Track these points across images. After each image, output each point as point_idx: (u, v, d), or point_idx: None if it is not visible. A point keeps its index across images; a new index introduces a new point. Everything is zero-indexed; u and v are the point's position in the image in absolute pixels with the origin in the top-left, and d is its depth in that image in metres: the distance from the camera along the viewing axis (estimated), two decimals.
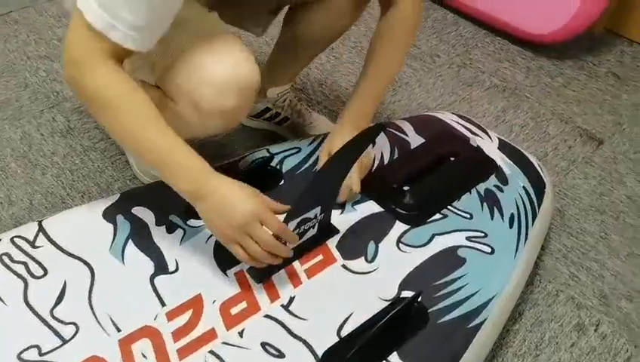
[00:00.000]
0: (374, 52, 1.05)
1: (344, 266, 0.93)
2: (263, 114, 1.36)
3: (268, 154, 1.12)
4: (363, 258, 0.95)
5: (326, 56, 1.64)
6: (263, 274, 0.89)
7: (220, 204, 0.79)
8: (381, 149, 1.16)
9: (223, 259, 0.90)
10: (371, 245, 0.97)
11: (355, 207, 1.03)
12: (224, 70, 0.89)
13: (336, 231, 0.98)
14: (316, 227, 0.94)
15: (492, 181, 1.12)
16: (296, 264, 0.92)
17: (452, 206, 1.06)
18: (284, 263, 0.89)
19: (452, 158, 1.14)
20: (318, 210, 0.92)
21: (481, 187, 1.10)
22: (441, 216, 1.04)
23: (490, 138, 1.22)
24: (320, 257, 0.94)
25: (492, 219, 1.05)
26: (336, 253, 0.95)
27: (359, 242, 0.97)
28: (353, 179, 1.00)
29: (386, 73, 1.07)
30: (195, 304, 0.85)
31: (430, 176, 1.09)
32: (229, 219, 0.79)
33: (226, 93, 0.90)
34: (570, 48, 1.79)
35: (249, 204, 0.79)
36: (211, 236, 0.93)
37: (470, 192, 1.09)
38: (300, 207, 0.87)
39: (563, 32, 1.71)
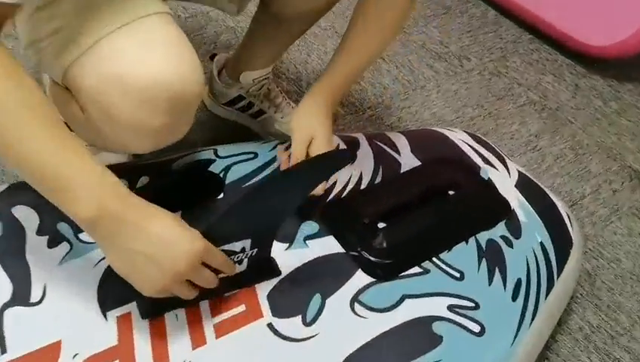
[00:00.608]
0: (356, 26, 0.83)
1: (270, 326, 0.68)
2: (235, 102, 1.12)
3: (213, 157, 0.87)
4: (300, 317, 0.70)
5: (333, 46, 1.38)
6: (156, 309, 0.66)
7: (151, 244, 0.56)
8: (360, 167, 0.89)
9: (109, 295, 0.67)
10: (316, 300, 0.71)
11: (307, 241, 0.78)
12: (147, 73, 0.62)
13: (277, 273, 0.73)
14: (244, 263, 0.70)
15: (499, 230, 0.84)
16: (205, 314, 0.68)
17: (438, 258, 0.79)
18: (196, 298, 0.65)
19: (451, 192, 0.87)
20: (247, 243, 0.67)
21: (483, 236, 0.82)
22: (420, 270, 0.77)
23: (507, 170, 0.94)
24: (241, 308, 0.69)
25: (490, 283, 0.77)
26: (265, 305, 0.70)
27: (300, 293, 0.72)
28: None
29: (366, 52, 0.85)
30: (48, 356, 0.62)
31: (416, 212, 0.82)
32: (166, 267, 0.57)
33: (148, 106, 0.64)
34: (634, 68, 1.48)
35: (195, 247, 0.58)
36: (103, 259, 0.70)
37: (467, 242, 0.81)
38: (220, 235, 0.63)
39: (627, 46, 1.39)
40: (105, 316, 0.65)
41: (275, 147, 0.91)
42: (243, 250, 0.67)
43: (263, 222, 0.68)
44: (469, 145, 0.98)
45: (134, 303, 0.66)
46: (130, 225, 0.55)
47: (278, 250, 0.75)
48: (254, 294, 0.71)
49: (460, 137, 0.99)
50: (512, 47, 1.52)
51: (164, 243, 0.56)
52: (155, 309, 0.66)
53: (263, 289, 0.71)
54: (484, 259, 0.79)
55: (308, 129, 0.80)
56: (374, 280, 0.74)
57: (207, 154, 0.88)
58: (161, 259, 0.56)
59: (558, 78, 1.44)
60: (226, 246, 0.65)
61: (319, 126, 0.80)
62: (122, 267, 0.58)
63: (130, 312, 0.66)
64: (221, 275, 0.63)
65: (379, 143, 0.95)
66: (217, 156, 0.87)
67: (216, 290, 0.65)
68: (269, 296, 0.71)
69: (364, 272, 0.75)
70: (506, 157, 0.97)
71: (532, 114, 1.33)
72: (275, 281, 0.72)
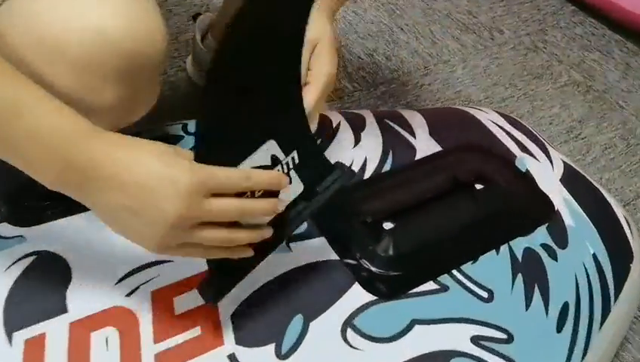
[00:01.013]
0: None
1: (233, 358, 0.51)
2: None
3: (181, 133, 0.70)
4: (273, 347, 0.52)
5: (344, 11, 1.19)
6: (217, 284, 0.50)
7: (129, 197, 0.42)
8: (364, 151, 0.71)
9: (15, 315, 0.50)
10: (296, 323, 0.54)
11: (290, 244, 0.60)
12: (86, 30, 0.47)
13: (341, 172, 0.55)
14: (294, 177, 0.50)
15: (540, 236, 0.65)
16: (145, 337, 0.51)
17: (460, 271, 0.61)
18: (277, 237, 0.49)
19: (478, 186, 0.69)
20: (272, 146, 0.48)
21: (519, 244, 0.64)
22: (436, 286, 0.59)
23: (550, 161, 0.76)
24: (195, 332, 0.52)
25: (527, 308, 0.59)
26: (227, 329, 0.53)
27: (276, 313, 0.54)
28: (307, 93, 0.56)
29: None
30: None
31: (433, 211, 0.64)
32: (155, 218, 0.42)
33: (91, 75, 0.49)
34: None
35: (182, 183, 0.42)
36: (27, 258, 0.54)
37: (497, 251, 0.63)
38: (227, 149, 0.45)
39: None
40: (9, 339, 0.49)
41: None
42: (275, 161, 0.48)
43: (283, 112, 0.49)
44: (502, 129, 0.79)
45: (49, 321, 0.50)
46: (107, 172, 0.42)
47: None
48: (214, 312, 0.54)
49: (490, 118, 0.80)
50: (552, 19, 1.32)
51: (143, 192, 0.42)
52: (215, 285, 0.50)
53: (226, 306, 0.54)
54: (519, 275, 0.61)
55: (309, 31, 0.58)
56: (375, 298, 0.57)
57: (174, 129, 0.71)
58: (145, 211, 0.42)
59: (606, 56, 1.24)
60: (247, 162, 0.46)
61: (323, 26, 0.61)
62: (111, 224, 0.45)
63: (43, 334, 0.50)
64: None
65: (390, 122, 0.77)
66: (186, 132, 0.70)
67: (280, 225, 0.48)
68: (235, 317, 0.53)
69: (363, 287, 0.57)
70: (548, 145, 0.78)
71: (575, 96, 1.13)
72: (241, 295, 0.55)
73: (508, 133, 0.78)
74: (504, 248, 0.63)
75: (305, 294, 0.56)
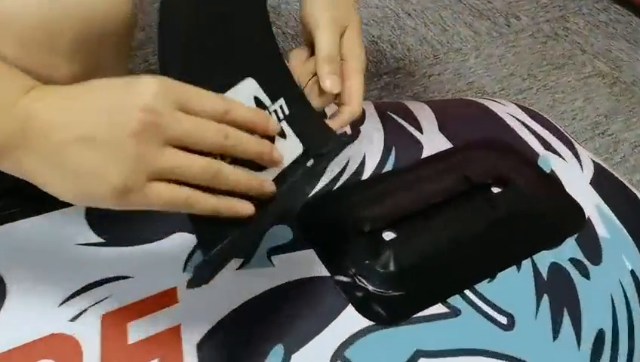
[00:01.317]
0: None
1: None
2: None
3: None
4: None
5: None
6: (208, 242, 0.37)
7: (83, 123, 0.33)
8: (363, 148, 0.62)
9: None
10: (275, 354, 0.45)
11: (272, 258, 0.51)
12: (30, 1, 0.39)
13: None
14: (289, 133, 0.43)
15: (568, 250, 0.55)
16: None
17: (474, 291, 0.51)
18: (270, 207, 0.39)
19: (495, 189, 0.59)
20: (253, 86, 0.41)
21: (544, 259, 0.54)
22: (446, 310, 0.49)
23: (579, 160, 0.66)
24: None
25: (555, 336, 0.49)
26: (192, 360, 0.44)
27: (252, 342, 0.45)
28: (353, 82, 0.50)
29: None
30: None
31: (443, 219, 0.55)
32: (118, 135, 0.32)
33: (40, 46, 0.40)
34: None
35: (151, 87, 0.34)
36: None
37: (518, 267, 0.54)
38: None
39: None
40: None
41: None
42: (260, 105, 0.41)
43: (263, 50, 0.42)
44: (522, 123, 0.69)
45: None
46: (40, 122, 0.33)
47: (227, 269, 0.49)
48: (177, 339, 0.45)
49: (509, 111, 0.70)
50: (574, 5, 1.21)
51: (98, 112, 0.33)
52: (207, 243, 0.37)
53: (190, 332, 0.45)
54: (545, 296, 0.51)
55: (336, 13, 0.51)
56: (372, 323, 0.47)
57: None
58: (101, 131, 0.32)
59: (634, 45, 1.13)
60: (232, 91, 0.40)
61: (349, 10, 0.52)
62: (54, 179, 0.33)
63: None
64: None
65: (393, 115, 0.67)
66: None
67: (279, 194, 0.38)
68: (201, 347, 0.44)
69: (357, 310, 0.48)
70: (575, 142, 0.68)
71: (600, 88, 1.02)
72: (209, 319, 0.46)
73: (529, 128, 0.68)
74: (526, 264, 0.53)
75: (287, 319, 0.47)
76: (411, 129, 0.66)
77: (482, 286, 0.51)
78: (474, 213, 0.55)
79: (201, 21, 0.38)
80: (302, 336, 0.46)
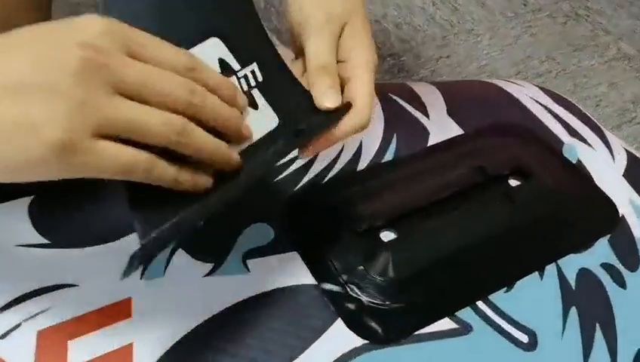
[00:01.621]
0: None
1: None
2: None
3: None
4: None
5: None
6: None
7: (16, 69, 0.26)
8: (359, 134, 0.54)
9: None
10: None
11: (248, 262, 0.43)
12: None
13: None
14: (262, 103, 0.36)
15: (600, 253, 0.47)
16: None
17: (488, 303, 0.43)
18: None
19: (514, 182, 0.50)
20: (218, 46, 0.35)
21: (571, 264, 0.46)
22: (454, 326, 0.41)
23: (610, 150, 0.57)
24: None
25: (587, 358, 0.41)
26: None
27: None
28: (357, 81, 0.40)
29: None
30: None
31: (450, 217, 0.47)
32: (56, 75, 0.26)
33: None
34: None
35: (89, 23, 0.28)
36: None
37: (541, 274, 0.45)
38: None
39: None
40: None
41: None
42: (226, 68, 0.35)
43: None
44: (544, 107, 0.60)
45: None
46: None
47: (193, 277, 0.41)
48: (128, 361, 0.37)
49: (528, 93, 0.62)
50: None
51: (30, 53, 0.27)
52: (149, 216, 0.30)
53: (145, 352, 0.37)
54: (573, 309, 0.43)
55: (331, 9, 0.41)
56: (366, 342, 0.40)
57: None
58: (36, 72, 0.26)
59: None
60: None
61: (352, 1, 0.42)
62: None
63: None
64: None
65: (395, 97, 0.59)
66: None
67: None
68: None
69: (348, 326, 0.40)
70: (603, 128, 0.60)
71: (626, 72, 0.94)
72: (172, 338, 0.38)
73: (551, 112, 0.59)
74: (551, 269, 0.45)
75: (263, 336, 0.39)
76: (416, 113, 0.57)
77: (498, 297, 0.43)
78: (489, 209, 0.47)
79: None
80: (281, 357, 0.38)
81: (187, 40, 0.33)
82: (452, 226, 0.46)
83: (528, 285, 0.44)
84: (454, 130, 0.56)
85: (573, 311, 0.43)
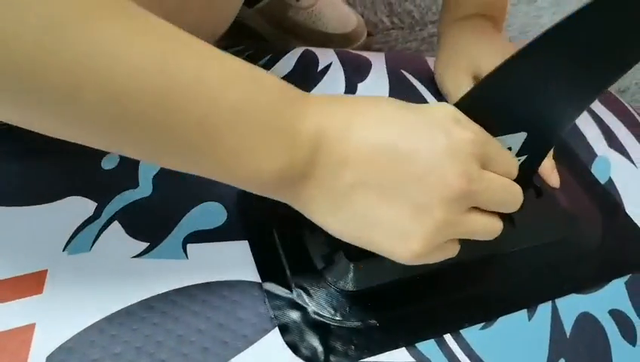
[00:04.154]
0: None
1: None
2: None
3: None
4: None
5: None
6: None
7: (387, 171, 0.30)
8: None
9: None
10: None
11: (188, 247, 0.38)
12: None
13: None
14: None
15: (611, 297, 0.38)
16: None
17: (457, 337, 0.36)
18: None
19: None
20: (518, 141, 0.36)
21: (571, 306, 0.37)
22: (410, 358, 0.35)
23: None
24: None
25: None
26: None
27: None
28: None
29: None
30: None
31: None
32: (428, 200, 0.30)
33: None
34: None
35: (465, 143, 0.30)
36: None
37: (532, 311, 0.37)
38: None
39: None
40: None
41: None
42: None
43: (542, 109, 0.35)
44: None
45: None
46: (334, 157, 0.29)
47: (121, 256, 0.37)
48: (25, 344, 0.33)
49: None
50: None
51: (404, 162, 0.29)
52: None
53: (45, 337, 0.33)
54: (561, 361, 0.36)
55: (466, 64, 0.47)
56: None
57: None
58: (408, 189, 0.29)
59: None
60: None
61: (486, 50, 0.47)
62: (352, 227, 0.31)
63: None
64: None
65: (407, 75, 0.51)
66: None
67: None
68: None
69: (284, 338, 0.34)
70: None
71: None
72: (79, 325, 0.34)
73: (593, 115, 0.49)
74: (544, 309, 0.37)
75: (185, 339, 0.34)
76: (429, 96, 0.49)
77: (472, 334, 0.36)
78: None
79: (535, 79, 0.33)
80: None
81: (505, 128, 0.34)
82: None
83: (512, 324, 0.36)
84: None
85: None
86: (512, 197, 0.33)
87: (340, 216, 0.30)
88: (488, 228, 0.32)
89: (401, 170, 0.29)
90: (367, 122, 0.29)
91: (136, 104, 0.25)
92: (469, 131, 0.30)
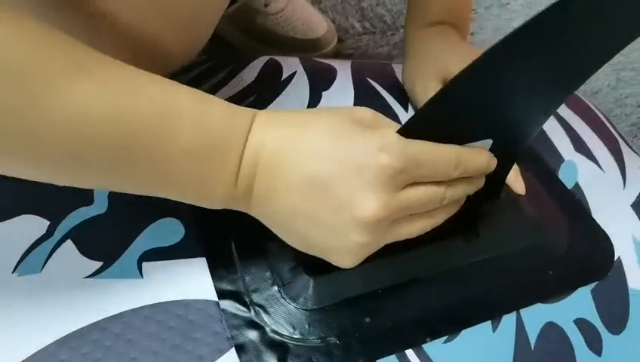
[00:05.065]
0: None
1: None
2: None
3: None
4: None
5: None
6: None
7: (312, 197, 0.32)
8: None
9: None
10: None
11: (143, 266, 0.37)
12: None
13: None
14: None
15: (577, 306, 0.38)
16: None
17: (419, 352, 0.35)
18: None
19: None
20: (488, 144, 0.36)
21: (536, 316, 0.37)
22: None
23: (622, 173, 0.47)
24: None
25: None
26: None
27: None
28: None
29: None
30: None
31: (394, 242, 0.38)
32: (344, 219, 0.32)
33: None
34: None
35: (379, 161, 0.31)
36: None
37: (495, 323, 0.37)
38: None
39: None
40: None
41: None
42: None
43: (507, 114, 0.35)
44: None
45: None
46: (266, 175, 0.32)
47: (73, 276, 0.35)
48: None
49: None
50: None
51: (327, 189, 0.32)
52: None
53: None
54: None
55: (435, 71, 0.47)
56: None
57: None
58: (332, 212, 0.32)
59: None
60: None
61: (453, 56, 0.47)
62: (287, 238, 0.35)
63: None
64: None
65: (373, 82, 0.50)
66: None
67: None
68: None
69: (241, 358, 0.34)
70: (623, 143, 0.49)
71: None
72: (29, 348, 0.33)
73: (560, 120, 0.49)
74: (508, 320, 0.36)
75: (139, 358, 0.33)
76: (394, 104, 0.49)
77: (434, 348, 0.35)
78: (443, 236, 0.38)
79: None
80: None
81: (467, 137, 0.35)
82: (392, 248, 0.38)
83: (475, 337, 0.36)
84: None
85: None
86: (438, 200, 0.34)
87: (284, 234, 0.34)
88: (414, 232, 0.35)
89: (322, 200, 0.31)
90: (295, 153, 0.32)
91: (93, 156, 0.28)
92: (390, 157, 0.31)
